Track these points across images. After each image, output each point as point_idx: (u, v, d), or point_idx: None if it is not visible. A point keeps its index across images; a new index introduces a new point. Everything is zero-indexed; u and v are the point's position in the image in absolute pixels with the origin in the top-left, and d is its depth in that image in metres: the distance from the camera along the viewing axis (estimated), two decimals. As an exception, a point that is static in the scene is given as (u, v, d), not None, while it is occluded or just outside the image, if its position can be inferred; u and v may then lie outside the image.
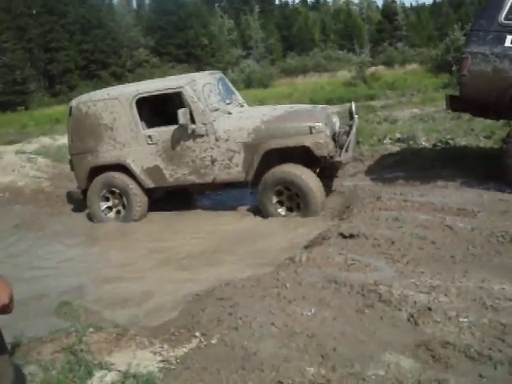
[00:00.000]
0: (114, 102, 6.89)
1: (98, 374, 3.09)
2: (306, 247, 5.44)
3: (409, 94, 22.64)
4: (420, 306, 3.64)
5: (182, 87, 6.58)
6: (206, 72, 7.97)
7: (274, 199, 6.51)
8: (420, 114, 15.05)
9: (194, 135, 6.56)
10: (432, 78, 25.49)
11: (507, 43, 6.25)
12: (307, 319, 3.60)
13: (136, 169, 6.88)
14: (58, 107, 32.10)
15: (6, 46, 43.78)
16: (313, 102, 25.33)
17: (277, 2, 71.69)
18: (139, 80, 37.97)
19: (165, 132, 6.70)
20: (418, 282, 4.04)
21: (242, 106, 7.56)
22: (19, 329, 3.83)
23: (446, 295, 3.80)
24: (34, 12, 47.53)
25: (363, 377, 2.94)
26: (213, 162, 6.60)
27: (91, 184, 7.24)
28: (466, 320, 3.45)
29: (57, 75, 45.88)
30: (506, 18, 6.30)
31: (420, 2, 78.38)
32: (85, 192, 7.39)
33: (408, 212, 5.84)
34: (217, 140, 6.53)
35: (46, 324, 4.08)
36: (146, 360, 3.27)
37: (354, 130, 6.89)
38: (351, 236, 5.24)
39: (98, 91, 7.74)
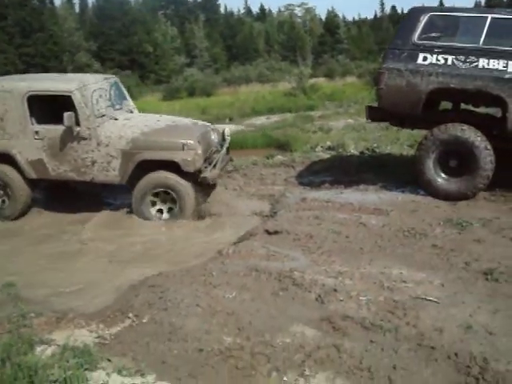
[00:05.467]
0: (6, 95, 7.13)
1: (39, 348, 3.46)
2: (235, 243, 5.91)
3: (346, 105, 23.70)
4: (327, 288, 4.21)
5: (71, 92, 6.93)
6: (100, 76, 8.38)
7: (150, 203, 6.97)
8: (353, 124, 15.95)
9: (78, 137, 6.94)
10: (369, 90, 26.62)
11: (419, 60, 6.98)
12: (228, 301, 4.09)
13: (21, 159, 7.20)
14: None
15: None
16: (254, 111, 26.19)
17: (222, 11, 72.54)
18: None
19: (52, 130, 7.07)
20: (329, 269, 4.62)
21: (132, 112, 8.01)
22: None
23: (350, 279, 4.39)
24: (-28, 13, 46.33)
25: (272, 344, 3.45)
26: (93, 163, 7.05)
27: None
28: (364, 298, 4.04)
29: (-5, 78, 44.72)
30: (419, 38, 7.03)
31: (362, 17, 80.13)
32: None
33: (329, 212, 6.44)
34: (98, 144, 6.96)
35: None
36: (83, 336, 3.66)
37: (223, 150, 7.54)
38: (275, 232, 5.79)
39: None
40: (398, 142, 11.19)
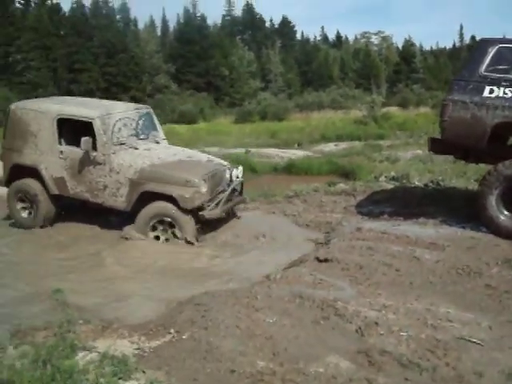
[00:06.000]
0: (41, 115, 7.74)
1: (81, 353, 3.63)
2: (284, 268, 5.94)
3: (417, 135, 23.33)
4: (369, 321, 4.16)
5: (93, 119, 7.33)
6: (132, 105, 8.78)
7: (150, 230, 7.08)
8: (421, 155, 15.66)
9: (94, 161, 7.32)
10: (441, 121, 25.97)
11: (485, 93, 6.81)
12: (268, 325, 4.12)
13: (46, 175, 7.68)
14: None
15: (31, 64, 45.43)
16: (324, 137, 26.22)
17: (298, 37, 73.27)
18: (157, 105, 38.29)
19: (74, 151, 7.45)
20: (373, 301, 4.56)
21: (158, 143, 8.20)
22: (18, 318, 4.39)
23: (394, 313, 4.31)
24: (62, 33, 49.23)
25: (304, 372, 3.45)
26: (104, 187, 7.35)
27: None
28: (405, 334, 3.95)
29: (78, 95, 47.18)
30: (486, 71, 6.87)
31: (440, 46, 78.54)
32: (8, 182, 8.14)
33: (383, 243, 6.34)
34: (110, 170, 7.27)
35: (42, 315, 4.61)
36: (124, 347, 3.81)
37: (228, 191, 7.50)
38: (326, 260, 5.77)
39: (34, 101, 8.86)
40: (464, 175, 10.89)
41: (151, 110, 8.55)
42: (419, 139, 21.66)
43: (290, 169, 16.32)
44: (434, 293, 4.85)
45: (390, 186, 10.55)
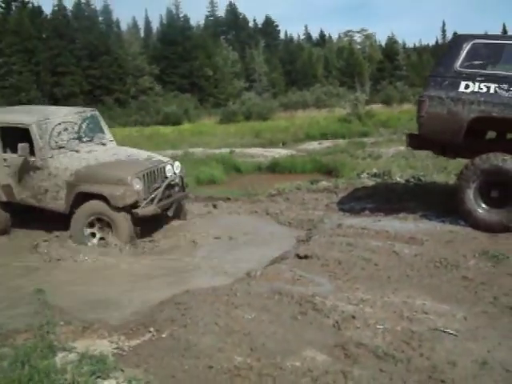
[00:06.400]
0: None
1: (60, 354, 3.65)
2: (266, 266, 5.98)
3: (400, 132, 23.43)
4: (346, 315, 4.22)
5: (29, 125, 7.45)
6: (73, 109, 8.81)
7: (87, 230, 7.17)
8: (403, 152, 15.74)
9: (34, 166, 7.45)
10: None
11: (461, 88, 6.90)
12: (247, 321, 4.17)
13: None
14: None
15: (13, 67, 45.05)
16: (308, 136, 26.28)
17: (282, 37, 73.38)
18: (141, 107, 38.29)
19: (15, 158, 7.54)
20: (351, 295, 4.63)
21: (104, 144, 8.27)
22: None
23: (371, 307, 4.38)
24: (44, 36, 48.86)
25: (281, 366, 3.50)
26: (45, 191, 7.48)
27: None
28: (381, 327, 4.02)
29: (62, 98, 46.73)
30: (461, 66, 6.96)
31: (423, 43, 79.02)
32: None
33: (363, 238, 6.42)
34: (49, 174, 7.40)
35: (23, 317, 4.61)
36: (103, 347, 3.84)
37: (162, 187, 7.45)
38: (306, 257, 5.83)
39: None
40: (445, 170, 11.01)
41: (96, 113, 8.66)
42: (402, 136, 21.72)
43: (274, 168, 16.30)
44: (410, 286, 4.93)
45: (371, 182, 10.63)
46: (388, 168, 11.60)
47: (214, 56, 55.56)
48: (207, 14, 68.80)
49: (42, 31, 49.14)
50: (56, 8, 54.38)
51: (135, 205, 7.07)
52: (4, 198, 7.81)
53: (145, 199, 7.20)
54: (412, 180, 10.33)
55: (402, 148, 17.20)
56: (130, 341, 3.98)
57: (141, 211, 7.08)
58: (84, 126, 8.18)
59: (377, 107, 37.38)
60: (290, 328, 4.07)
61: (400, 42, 71.25)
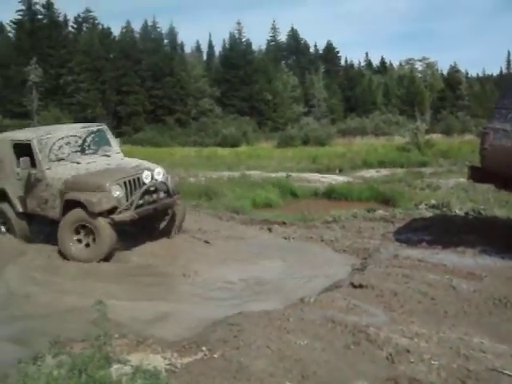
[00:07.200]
0: (2, 143, 8.50)
1: (115, 366, 3.75)
2: (319, 293, 5.96)
3: (460, 163, 22.91)
4: (400, 348, 4.14)
5: (30, 140, 8.00)
6: (78, 125, 9.38)
7: (74, 236, 7.40)
8: (464, 184, 15.38)
9: (36, 178, 7.92)
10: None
11: (527, 122, 6.74)
12: (299, 347, 4.16)
13: (11, 195, 8.30)
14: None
15: (82, 85, 47.19)
16: (365, 163, 26.06)
17: (342, 63, 73.38)
18: (201, 128, 39.26)
19: (23, 171, 8.01)
20: (406, 328, 4.54)
21: (108, 156, 8.57)
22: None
23: (426, 342, 4.29)
24: (112, 56, 50.97)
25: (332, 395, 3.47)
26: (46, 201, 7.89)
27: None
28: (437, 363, 3.93)
29: (125, 116, 48.58)
30: (528, 99, 6.82)
31: (487, 73, 77.28)
32: None
33: (419, 271, 6.29)
34: (47, 185, 7.82)
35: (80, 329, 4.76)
36: (157, 362, 3.92)
37: (139, 192, 7.53)
38: (360, 286, 5.77)
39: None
40: (507, 205, 10.67)
41: (105, 127, 9.09)
42: (463, 167, 21.24)
43: (330, 194, 16.25)
44: (468, 323, 4.79)
45: (429, 213, 10.43)
46: (447, 200, 11.33)
47: (274, 80, 56.25)
48: (269, 38, 69.83)
49: (110, 51, 51.31)
50: (124, 30, 56.82)
51: (115, 211, 7.31)
52: (20, 209, 8.32)
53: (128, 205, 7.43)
54: (472, 213, 10.06)
55: (463, 180, 16.83)
56: (182, 358, 4.05)
57: (117, 217, 7.30)
58: (89, 139, 8.63)
59: (437, 137, 36.75)
60: (342, 357, 4.04)
61: (462, 70, 69.99)
